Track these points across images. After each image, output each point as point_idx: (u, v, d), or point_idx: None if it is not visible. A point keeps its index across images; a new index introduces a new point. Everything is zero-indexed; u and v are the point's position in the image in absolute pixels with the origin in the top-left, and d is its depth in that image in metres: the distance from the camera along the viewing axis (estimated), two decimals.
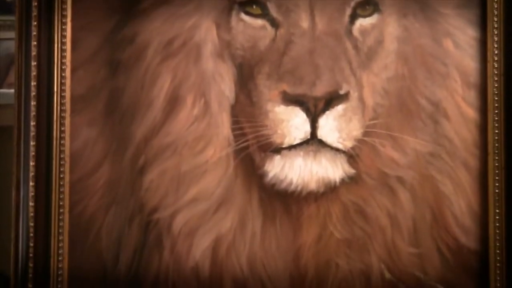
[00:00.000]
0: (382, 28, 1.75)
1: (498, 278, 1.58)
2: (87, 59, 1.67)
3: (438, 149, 1.64)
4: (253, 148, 1.62)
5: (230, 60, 1.71)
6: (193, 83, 1.70)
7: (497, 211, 1.59)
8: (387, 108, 1.67)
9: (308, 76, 1.67)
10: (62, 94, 1.63)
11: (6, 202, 1.64)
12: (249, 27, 1.72)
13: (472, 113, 1.65)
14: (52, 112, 1.61)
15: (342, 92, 1.66)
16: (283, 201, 1.62)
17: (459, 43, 1.71)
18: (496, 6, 1.69)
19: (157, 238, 1.61)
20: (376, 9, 1.75)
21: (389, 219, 1.61)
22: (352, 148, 1.62)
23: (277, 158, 1.61)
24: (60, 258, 1.60)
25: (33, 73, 1.60)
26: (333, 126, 1.63)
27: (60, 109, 1.62)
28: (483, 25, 1.69)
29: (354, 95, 1.65)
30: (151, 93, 1.65)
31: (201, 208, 1.61)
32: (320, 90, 1.65)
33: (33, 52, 1.61)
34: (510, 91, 1.63)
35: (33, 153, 1.58)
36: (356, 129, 1.64)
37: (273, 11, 1.72)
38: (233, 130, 1.65)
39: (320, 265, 1.61)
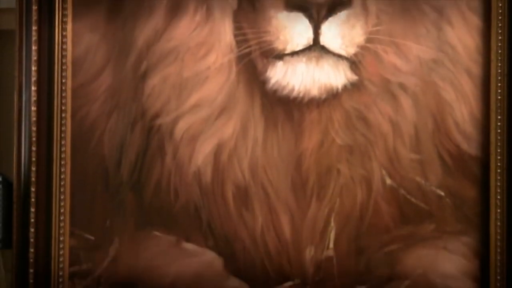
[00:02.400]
0: None
1: (499, 184, 1.58)
2: None
3: (441, 56, 1.62)
4: (255, 55, 1.61)
5: None
6: None
7: (499, 117, 1.58)
8: (391, 14, 1.63)
9: None
10: None
11: (8, 106, 1.65)
12: None
13: (475, 20, 1.62)
14: (53, 17, 1.60)
15: None
16: (285, 107, 1.61)
17: None
18: None
19: (159, 143, 1.61)
20: None
21: (391, 126, 1.61)
22: (355, 54, 1.61)
23: (280, 64, 1.61)
24: (62, 163, 1.60)
25: None
26: (336, 33, 1.61)
27: (62, 14, 1.61)
28: None
29: (357, 1, 1.61)
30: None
31: (203, 114, 1.60)
32: None
33: None
34: None
35: (35, 58, 1.58)
36: (359, 36, 1.61)
37: None
38: (235, 36, 1.63)
39: (321, 171, 1.61)
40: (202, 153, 1.60)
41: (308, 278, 1.59)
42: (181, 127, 1.60)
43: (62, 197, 1.58)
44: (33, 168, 1.57)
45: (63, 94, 1.60)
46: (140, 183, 1.61)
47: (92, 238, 1.59)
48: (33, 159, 1.57)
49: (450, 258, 1.60)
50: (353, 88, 1.61)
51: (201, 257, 1.60)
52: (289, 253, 1.61)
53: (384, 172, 1.61)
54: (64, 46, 1.60)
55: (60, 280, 1.57)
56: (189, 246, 1.61)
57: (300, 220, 1.61)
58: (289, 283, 1.59)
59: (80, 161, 1.60)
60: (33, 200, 1.57)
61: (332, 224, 1.61)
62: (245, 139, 1.61)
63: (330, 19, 1.62)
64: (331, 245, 1.60)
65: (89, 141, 1.60)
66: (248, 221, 1.61)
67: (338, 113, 1.61)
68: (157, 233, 1.61)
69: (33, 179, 1.57)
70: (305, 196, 1.61)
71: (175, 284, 1.60)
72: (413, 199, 1.61)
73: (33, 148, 1.57)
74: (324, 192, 1.61)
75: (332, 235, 1.61)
